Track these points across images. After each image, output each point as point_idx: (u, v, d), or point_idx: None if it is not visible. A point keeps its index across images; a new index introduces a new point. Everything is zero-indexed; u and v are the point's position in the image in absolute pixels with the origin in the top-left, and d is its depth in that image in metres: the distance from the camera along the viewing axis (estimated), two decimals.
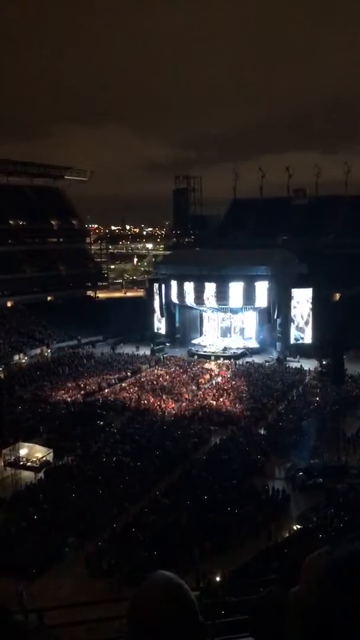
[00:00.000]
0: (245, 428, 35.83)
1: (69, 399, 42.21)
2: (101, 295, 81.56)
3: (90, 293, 79.55)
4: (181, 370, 50.33)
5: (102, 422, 37.09)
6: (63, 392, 44.00)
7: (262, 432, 35.72)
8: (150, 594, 1.27)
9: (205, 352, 56.95)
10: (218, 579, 18.79)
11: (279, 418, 38.01)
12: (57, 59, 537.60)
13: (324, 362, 48.96)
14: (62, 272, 75.20)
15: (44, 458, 31.02)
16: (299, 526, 23.60)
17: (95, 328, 63.18)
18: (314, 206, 79.45)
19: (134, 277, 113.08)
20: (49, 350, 58.06)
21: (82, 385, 45.56)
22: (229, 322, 61.54)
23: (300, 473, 28.37)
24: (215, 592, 16.04)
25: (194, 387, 44.94)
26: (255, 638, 1.38)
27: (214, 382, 46.91)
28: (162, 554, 20.52)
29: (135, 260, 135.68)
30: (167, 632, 1.21)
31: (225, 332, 61.59)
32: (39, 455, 31.37)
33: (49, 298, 71.42)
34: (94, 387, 45.20)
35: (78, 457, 31.56)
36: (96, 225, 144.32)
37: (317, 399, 41.44)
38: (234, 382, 46.13)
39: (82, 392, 43.98)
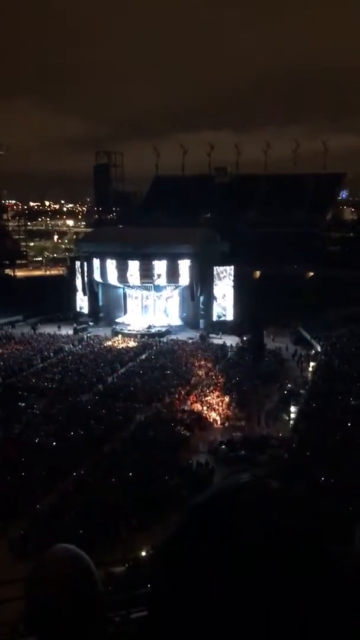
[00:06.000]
0: (169, 405, 36.25)
1: None
2: (20, 273, 79.00)
3: (8, 271, 76.77)
4: (106, 349, 49.95)
5: (23, 404, 36.20)
6: None
7: (185, 407, 36.28)
8: (48, 565, 1.23)
9: (129, 330, 56.80)
10: (144, 554, 19.02)
11: (202, 393, 38.71)
12: None
13: (244, 338, 50.37)
14: None
15: None
16: None
17: (15, 308, 61.17)
18: (235, 185, 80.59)
19: (55, 255, 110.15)
20: None
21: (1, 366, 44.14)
22: (153, 300, 61.64)
23: (223, 446, 29.12)
24: (141, 566, 16.23)
25: (118, 365, 44.82)
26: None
27: (138, 359, 46.97)
28: (87, 533, 20.46)
29: (56, 237, 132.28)
30: (62, 603, 1.18)
31: (149, 310, 61.68)
32: None
33: None
34: (14, 368, 43.93)
35: None
36: (14, 201, 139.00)
37: (239, 373, 42.61)
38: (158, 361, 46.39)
39: (2, 373, 42.62)
